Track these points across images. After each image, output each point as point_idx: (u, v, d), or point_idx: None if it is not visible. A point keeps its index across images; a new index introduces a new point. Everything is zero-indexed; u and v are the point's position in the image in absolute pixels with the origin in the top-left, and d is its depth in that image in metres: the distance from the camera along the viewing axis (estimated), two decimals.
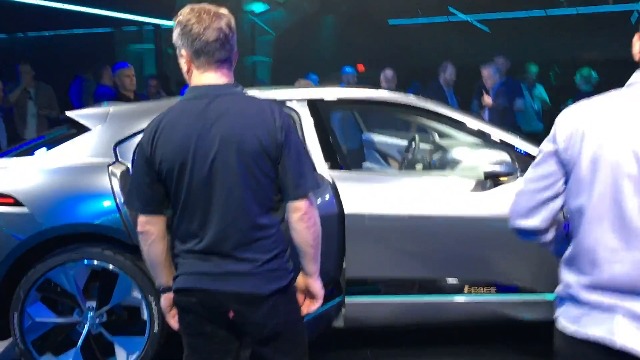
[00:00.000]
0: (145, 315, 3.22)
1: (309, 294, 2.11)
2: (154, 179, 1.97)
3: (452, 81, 7.12)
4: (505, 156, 3.39)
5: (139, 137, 3.28)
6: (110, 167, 3.24)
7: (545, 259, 3.09)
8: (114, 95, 6.66)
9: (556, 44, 14.84)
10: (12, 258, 3.16)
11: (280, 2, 15.34)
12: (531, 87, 8.03)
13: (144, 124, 3.31)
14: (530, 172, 1.73)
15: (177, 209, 1.97)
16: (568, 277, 1.65)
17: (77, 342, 3.24)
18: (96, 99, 6.80)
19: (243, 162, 1.89)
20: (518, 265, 3.28)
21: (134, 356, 3.24)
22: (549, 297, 3.31)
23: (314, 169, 2.01)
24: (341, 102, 3.71)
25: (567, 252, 1.67)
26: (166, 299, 2.11)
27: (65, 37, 9.48)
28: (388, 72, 7.14)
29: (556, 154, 1.64)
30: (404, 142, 5.10)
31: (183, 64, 2.01)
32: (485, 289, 3.27)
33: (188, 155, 1.90)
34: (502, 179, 3.22)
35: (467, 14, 15.02)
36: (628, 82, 1.64)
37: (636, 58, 1.66)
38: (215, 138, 1.89)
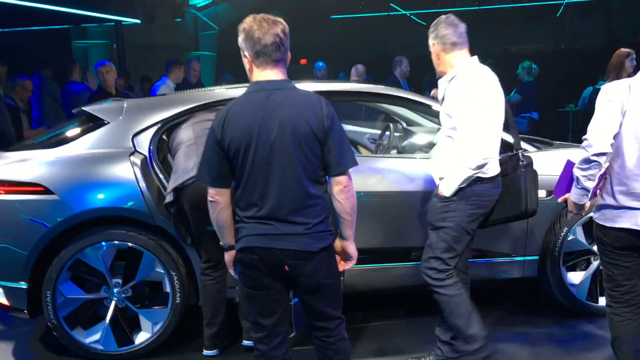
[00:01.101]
0: (167, 288, 3.59)
1: (345, 255, 2.57)
2: (223, 158, 2.38)
3: (407, 73, 7.67)
4: None
5: (153, 129, 3.66)
6: (131, 157, 3.58)
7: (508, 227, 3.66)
8: (85, 90, 6.85)
9: (489, 37, 15.70)
10: (44, 242, 3.45)
11: None
12: None
13: (157, 117, 3.74)
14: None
15: (241, 182, 2.38)
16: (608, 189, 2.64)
17: (104, 316, 3.57)
18: (66, 96, 6.96)
19: (297, 143, 2.32)
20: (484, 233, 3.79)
21: (158, 326, 3.60)
22: (517, 258, 3.91)
23: (352, 151, 2.46)
24: (333, 94, 4.11)
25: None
26: (229, 255, 2.56)
27: (18, 34, 9.44)
28: (360, 67, 7.63)
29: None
30: (371, 131, 5.61)
31: (246, 63, 2.44)
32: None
33: (252, 138, 2.32)
34: None
35: (406, 9, 15.67)
36: None
37: None
38: (275, 124, 2.31)
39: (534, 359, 3.48)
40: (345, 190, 2.41)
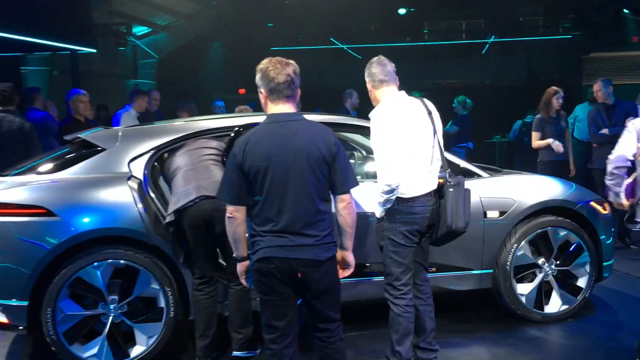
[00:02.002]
0: (162, 303, 3.84)
1: (344, 263, 2.97)
2: (242, 180, 2.74)
3: (357, 105, 8.18)
4: None
5: (147, 155, 3.95)
6: (128, 181, 3.85)
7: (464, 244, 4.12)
8: (46, 117, 6.93)
9: (420, 71, 16.62)
10: (45, 261, 3.65)
11: (163, 26, 15.61)
12: None
13: (150, 144, 4.03)
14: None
15: (259, 202, 2.73)
16: None
17: (100, 332, 3.78)
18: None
19: (310, 167, 2.71)
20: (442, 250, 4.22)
21: (153, 339, 3.85)
22: (474, 272, 4.40)
23: (354, 173, 2.86)
24: None
25: None
26: (242, 265, 2.92)
27: None
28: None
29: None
30: None
31: (261, 98, 2.83)
32: None
33: (270, 162, 2.69)
34: None
35: (343, 43, 16.38)
36: None
37: None
38: (290, 150, 2.70)
39: (494, 357, 3.95)
40: (348, 206, 2.82)
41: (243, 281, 2.97)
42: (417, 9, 15.16)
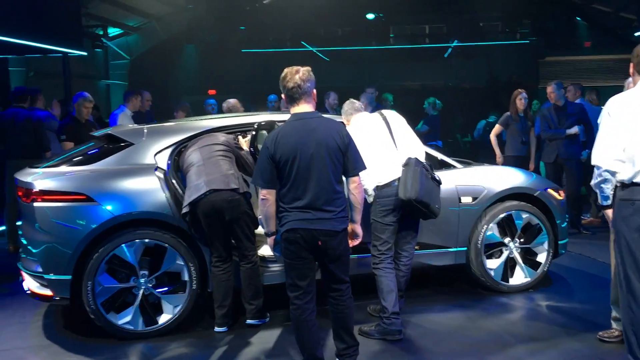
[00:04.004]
0: (186, 277, 4.42)
1: (354, 235, 3.62)
2: (273, 167, 3.36)
3: (335, 105, 8.83)
4: None
5: (170, 149, 4.52)
6: (156, 171, 4.42)
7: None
8: (49, 117, 7.40)
9: (387, 74, 17.35)
10: (86, 241, 4.20)
11: (134, 27, 15.92)
12: None
13: (172, 139, 4.60)
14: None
15: (288, 184, 3.36)
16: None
17: (132, 302, 4.34)
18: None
19: (328, 155, 3.35)
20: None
21: (178, 308, 4.42)
22: (451, 249, 5.09)
23: (362, 159, 3.51)
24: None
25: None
26: (272, 239, 3.52)
27: None
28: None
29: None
30: None
31: (284, 100, 3.44)
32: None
33: (297, 152, 3.32)
34: None
35: (313, 46, 16.98)
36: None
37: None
38: (312, 142, 3.34)
39: (468, 320, 4.66)
40: (358, 186, 3.50)
41: (272, 252, 3.59)
42: (384, 14, 15.86)
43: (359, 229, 3.62)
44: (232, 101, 7.02)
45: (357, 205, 3.53)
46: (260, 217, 3.58)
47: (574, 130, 7.26)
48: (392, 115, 4.47)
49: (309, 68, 3.48)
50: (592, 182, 3.52)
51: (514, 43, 16.36)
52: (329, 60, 17.22)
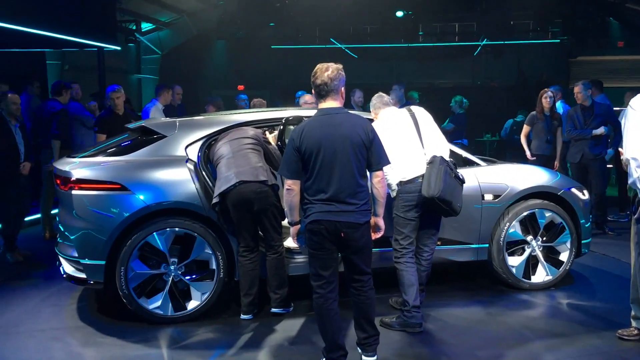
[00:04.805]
0: (214, 265, 4.58)
1: (376, 228, 3.73)
2: (299, 159, 3.49)
3: (360, 103, 8.93)
4: None
5: (200, 142, 4.67)
6: (187, 163, 4.58)
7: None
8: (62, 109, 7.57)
9: (415, 72, 17.38)
10: (120, 228, 4.38)
11: (166, 23, 16.17)
12: None
13: (203, 133, 4.76)
14: None
15: (312, 176, 3.48)
16: None
17: (162, 289, 4.51)
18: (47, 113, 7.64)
19: (352, 150, 3.47)
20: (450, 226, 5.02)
21: (206, 295, 4.58)
22: (473, 246, 5.17)
23: (386, 154, 3.62)
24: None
25: None
26: (295, 229, 3.67)
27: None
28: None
29: None
30: None
31: (314, 95, 3.56)
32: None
33: (321, 146, 3.44)
34: None
35: (342, 43, 17.08)
36: None
37: None
38: (337, 136, 3.45)
39: (488, 315, 4.74)
40: (381, 181, 3.60)
41: (295, 241, 3.72)
42: (413, 12, 15.87)
43: (381, 222, 3.73)
44: (257, 101, 7.47)
45: (380, 199, 3.64)
46: (285, 206, 3.71)
47: (601, 130, 7.25)
48: (420, 112, 4.55)
49: (340, 66, 3.59)
50: (631, 180, 3.54)
51: (544, 42, 16.27)
52: (357, 57, 17.34)
